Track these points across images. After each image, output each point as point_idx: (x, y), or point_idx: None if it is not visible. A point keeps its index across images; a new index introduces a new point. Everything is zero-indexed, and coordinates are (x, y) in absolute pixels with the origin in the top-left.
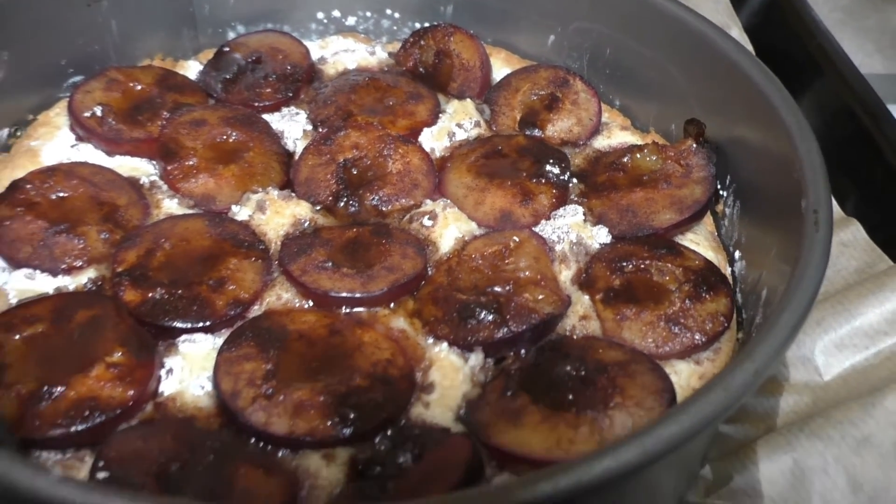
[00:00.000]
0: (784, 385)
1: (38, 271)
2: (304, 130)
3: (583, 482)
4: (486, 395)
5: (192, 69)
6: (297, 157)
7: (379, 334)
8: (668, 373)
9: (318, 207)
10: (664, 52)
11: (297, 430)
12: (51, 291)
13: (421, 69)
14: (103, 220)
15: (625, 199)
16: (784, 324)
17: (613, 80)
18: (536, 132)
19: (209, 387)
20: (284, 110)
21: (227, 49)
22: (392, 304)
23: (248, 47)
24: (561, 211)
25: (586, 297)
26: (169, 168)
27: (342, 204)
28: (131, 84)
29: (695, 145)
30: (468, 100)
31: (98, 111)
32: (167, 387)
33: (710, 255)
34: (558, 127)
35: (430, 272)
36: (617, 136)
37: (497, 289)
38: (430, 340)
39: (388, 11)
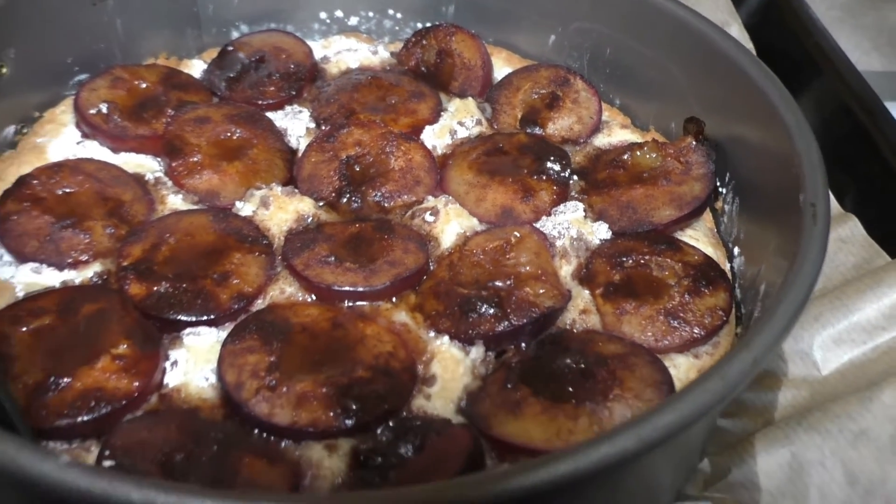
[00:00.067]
0: (782, 380)
1: (44, 265)
2: (308, 128)
3: (580, 469)
4: (486, 387)
5: (196, 68)
6: (300, 154)
7: (381, 327)
8: (667, 366)
9: (321, 203)
10: (664, 52)
11: (300, 420)
12: (57, 285)
13: (423, 68)
14: (109, 216)
15: (625, 196)
16: (781, 315)
17: (614, 79)
18: (537, 130)
19: (213, 378)
20: (288, 108)
21: (230, 48)
22: (394, 299)
23: (251, 46)
24: (561, 207)
25: (586, 291)
26: (173, 164)
27: (345, 200)
28: (136, 82)
29: (694, 143)
30: (470, 98)
31: (104, 108)
32: (172, 378)
33: (710, 251)
34: (559, 125)
35: (431, 267)
36: (617, 134)
37: (498, 283)
38: (432, 334)
39: (391, 12)
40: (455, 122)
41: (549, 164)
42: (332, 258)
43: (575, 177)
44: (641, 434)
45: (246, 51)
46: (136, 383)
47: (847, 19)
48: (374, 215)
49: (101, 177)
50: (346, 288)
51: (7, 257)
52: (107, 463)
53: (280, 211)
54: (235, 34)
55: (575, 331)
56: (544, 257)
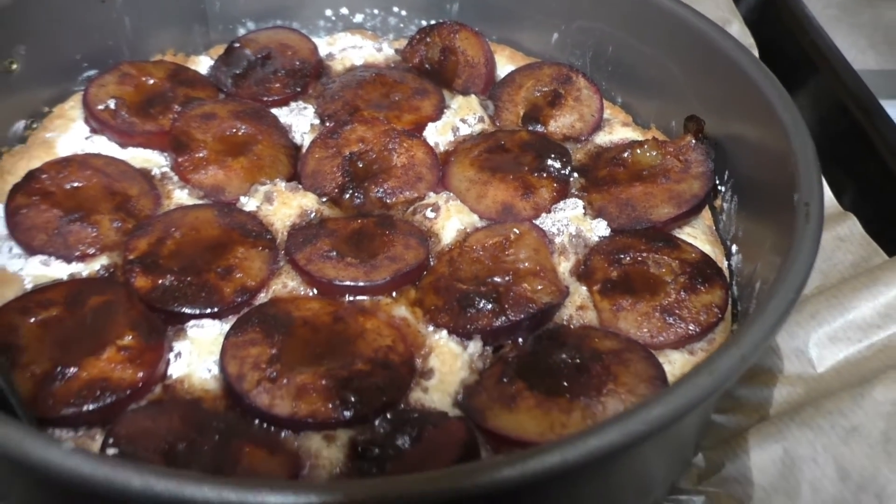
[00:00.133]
0: (778, 376)
1: (52, 258)
2: (312, 124)
3: (568, 461)
4: (483, 381)
5: (202, 64)
6: (304, 150)
7: (381, 322)
8: (662, 362)
9: (324, 199)
10: (665, 51)
11: (300, 411)
12: (65, 277)
13: (427, 65)
14: (116, 210)
15: (624, 194)
16: (771, 311)
17: (615, 77)
18: (539, 128)
19: (216, 370)
20: (292, 105)
21: (237, 45)
22: (394, 293)
23: (257, 43)
24: (561, 204)
25: (584, 287)
26: (180, 160)
27: (348, 196)
28: (144, 78)
29: (694, 141)
30: (472, 96)
31: (111, 104)
32: (176, 370)
33: (708, 248)
34: (561, 123)
35: (432, 262)
36: (618, 132)
37: (497, 279)
38: (431, 328)
39: (395, 9)
40: (458, 120)
41: (549, 162)
42: (334, 253)
43: (575, 174)
44: (629, 427)
45: (252, 47)
46: (141, 374)
47: (843, 17)
48: (376, 211)
49: (108, 171)
50: (348, 283)
51: (16, 250)
52: (110, 451)
53: (284, 206)
54: (242, 31)
55: (572, 326)
56: (543, 254)
